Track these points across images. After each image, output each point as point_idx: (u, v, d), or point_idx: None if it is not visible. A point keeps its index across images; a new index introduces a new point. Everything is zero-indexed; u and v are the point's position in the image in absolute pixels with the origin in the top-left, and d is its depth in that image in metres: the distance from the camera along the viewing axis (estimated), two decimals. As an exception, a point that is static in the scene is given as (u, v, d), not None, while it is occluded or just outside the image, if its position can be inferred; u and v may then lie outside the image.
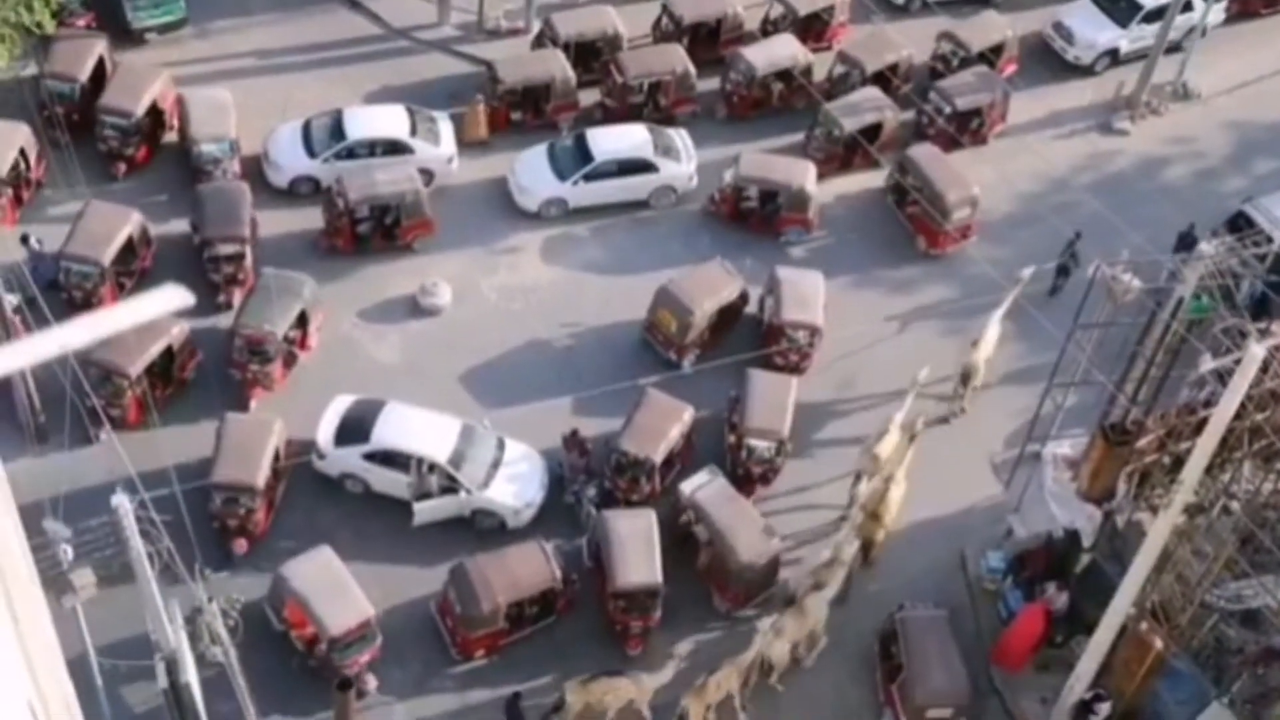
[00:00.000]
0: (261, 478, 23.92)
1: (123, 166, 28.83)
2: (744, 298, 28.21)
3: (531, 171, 29.83)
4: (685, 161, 30.18)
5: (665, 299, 27.31)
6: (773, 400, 25.83)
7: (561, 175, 29.63)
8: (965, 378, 27.43)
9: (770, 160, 30.08)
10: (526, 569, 23.74)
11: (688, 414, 25.65)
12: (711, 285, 27.71)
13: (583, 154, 29.76)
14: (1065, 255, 28.90)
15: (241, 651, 18.73)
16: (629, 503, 25.12)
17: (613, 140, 30.04)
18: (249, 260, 26.99)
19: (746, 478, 25.71)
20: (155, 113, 29.19)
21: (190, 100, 29.07)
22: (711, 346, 27.70)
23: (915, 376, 25.92)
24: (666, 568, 23.99)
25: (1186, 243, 27.50)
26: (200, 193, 27.54)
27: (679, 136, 30.52)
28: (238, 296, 26.83)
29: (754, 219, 29.96)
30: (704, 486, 24.94)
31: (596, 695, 22.78)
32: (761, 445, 25.49)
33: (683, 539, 25.18)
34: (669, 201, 30.14)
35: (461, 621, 23.48)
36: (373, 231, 28.45)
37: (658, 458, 24.99)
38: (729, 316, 28.10)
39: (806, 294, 27.51)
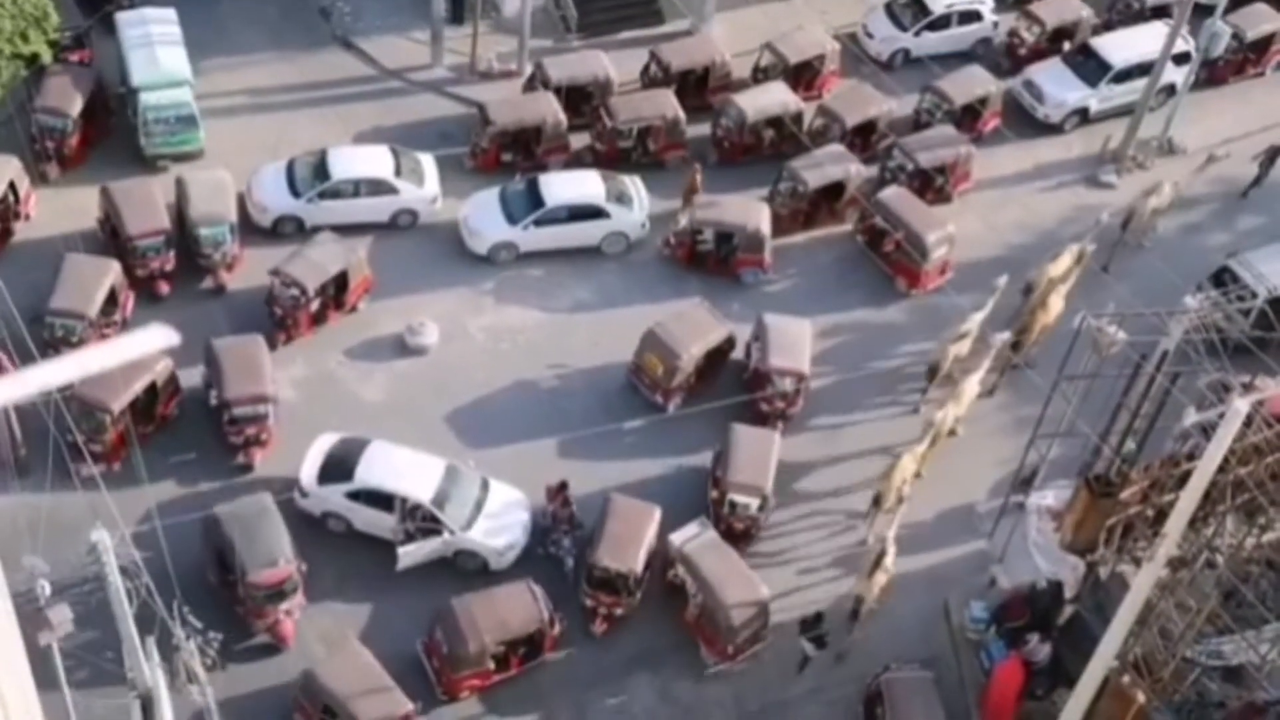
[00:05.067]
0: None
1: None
2: (730, 342, 28.25)
3: (482, 214, 29.78)
4: (638, 209, 30.21)
5: (652, 343, 27.32)
6: (756, 455, 25.64)
7: (512, 219, 29.58)
8: (1128, 219, 30.46)
9: (725, 202, 30.18)
10: (515, 610, 23.61)
11: (657, 513, 25.03)
12: (698, 329, 27.72)
13: (534, 199, 29.73)
14: (1265, 158, 32.44)
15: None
16: (609, 619, 24.52)
17: (565, 186, 30.05)
18: (272, 419, 25.65)
19: (729, 533, 25.45)
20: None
21: (189, 182, 28.38)
22: (697, 390, 27.68)
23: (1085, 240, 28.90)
24: (655, 618, 23.77)
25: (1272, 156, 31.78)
26: (215, 349, 25.86)
27: (632, 184, 30.51)
28: (259, 457, 25.75)
29: (710, 261, 30.02)
30: (694, 539, 24.78)
31: (878, 584, 24.07)
32: (745, 501, 25.32)
33: (671, 590, 25.04)
34: (620, 248, 30.16)
35: (448, 662, 23.30)
36: (323, 307, 27.83)
37: (639, 567, 24.34)
38: (715, 360, 28.12)
39: (793, 341, 27.49)
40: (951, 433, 27.09)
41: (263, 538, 23.32)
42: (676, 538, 24.87)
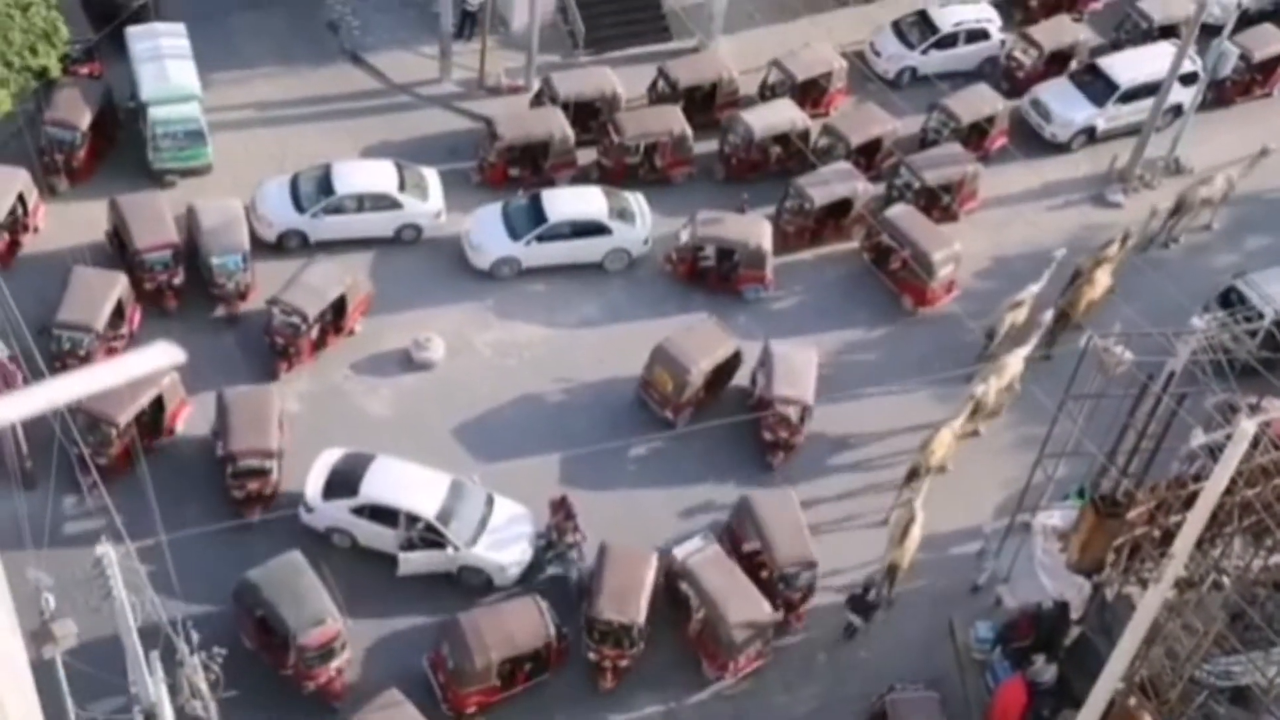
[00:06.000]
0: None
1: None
2: (738, 356, 28.15)
3: (485, 230, 29.77)
4: (640, 225, 30.19)
5: (662, 358, 27.27)
6: (788, 523, 24.96)
7: (515, 235, 29.58)
8: (1178, 208, 31.37)
9: (726, 218, 30.10)
10: (521, 625, 23.53)
11: (654, 558, 24.54)
12: (707, 344, 27.67)
13: (537, 214, 29.73)
14: None
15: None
16: (616, 671, 23.96)
17: (567, 202, 30.05)
18: (276, 475, 25.12)
19: (789, 606, 24.87)
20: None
21: (201, 211, 28.08)
22: (705, 404, 27.62)
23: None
24: (659, 636, 23.76)
25: None
26: (225, 399, 25.40)
27: (635, 200, 30.51)
28: (256, 514, 25.11)
29: (712, 277, 29.99)
30: (697, 553, 24.70)
31: (910, 550, 24.81)
32: (798, 573, 24.71)
33: (674, 603, 24.93)
34: (622, 265, 30.14)
35: (453, 677, 23.22)
36: (323, 332, 27.61)
37: (641, 617, 23.78)
38: (723, 374, 28.04)
39: (799, 370, 27.09)
40: (974, 433, 27.27)
41: (304, 597, 22.86)
42: (680, 551, 24.80)
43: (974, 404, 26.68)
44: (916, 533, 24.89)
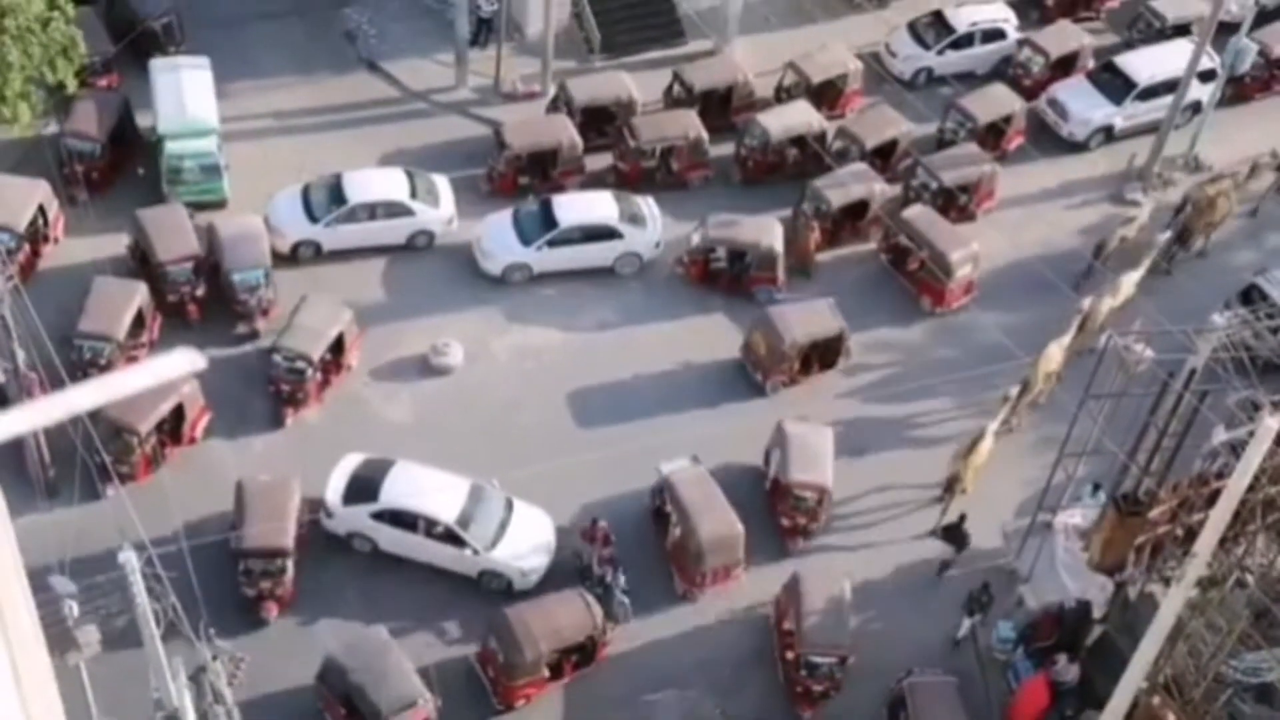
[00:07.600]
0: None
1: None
2: (841, 337, 28.31)
3: (496, 236, 29.79)
4: (651, 229, 30.17)
5: (761, 323, 28.00)
6: (828, 606, 23.94)
7: (526, 240, 29.59)
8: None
9: (737, 220, 30.09)
10: (568, 617, 23.80)
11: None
12: (810, 319, 28.25)
13: (547, 220, 29.74)
14: None
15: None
16: None
17: (578, 207, 30.07)
18: (290, 575, 24.13)
19: (805, 695, 24.03)
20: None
21: (221, 228, 28.13)
22: (800, 379, 28.21)
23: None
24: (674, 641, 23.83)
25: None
26: (245, 488, 24.40)
27: (645, 204, 30.48)
28: (273, 612, 24.20)
29: (724, 279, 29.99)
30: (681, 470, 25.25)
31: (978, 461, 25.75)
32: (825, 661, 23.77)
33: (659, 517, 25.53)
34: (633, 269, 30.15)
35: (504, 671, 23.40)
36: (326, 372, 27.28)
37: None
38: (826, 354, 28.39)
39: (816, 451, 25.89)
40: (1033, 402, 27.65)
41: (393, 677, 22.37)
42: (666, 466, 25.28)
43: (1082, 318, 27.47)
44: (984, 449, 25.50)
